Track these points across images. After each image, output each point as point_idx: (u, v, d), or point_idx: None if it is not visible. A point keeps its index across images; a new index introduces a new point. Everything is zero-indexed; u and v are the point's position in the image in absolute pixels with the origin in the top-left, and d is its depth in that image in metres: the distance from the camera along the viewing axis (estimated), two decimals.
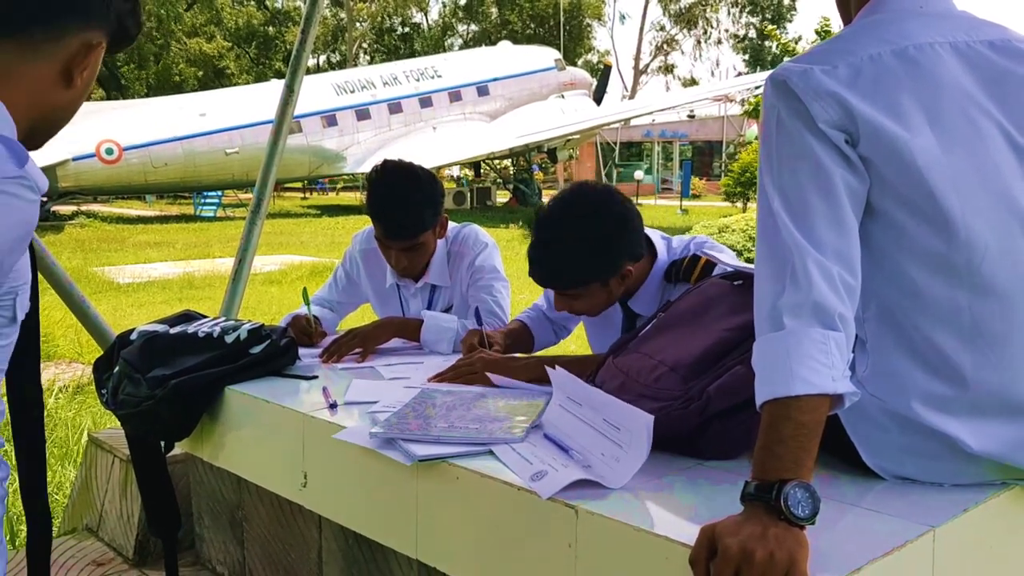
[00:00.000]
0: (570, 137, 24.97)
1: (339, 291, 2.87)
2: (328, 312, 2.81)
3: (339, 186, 35.22)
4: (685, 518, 1.26)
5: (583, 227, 1.95)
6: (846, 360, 1.23)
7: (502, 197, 28.74)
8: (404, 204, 2.49)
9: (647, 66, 52.36)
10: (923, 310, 1.34)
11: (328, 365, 2.34)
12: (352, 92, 24.14)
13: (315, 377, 2.19)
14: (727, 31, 51.74)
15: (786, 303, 1.23)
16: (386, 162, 2.61)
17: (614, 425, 1.44)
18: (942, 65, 1.35)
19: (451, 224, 2.73)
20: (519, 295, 2.64)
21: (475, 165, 28.55)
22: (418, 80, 25.34)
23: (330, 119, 23.36)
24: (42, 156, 18.69)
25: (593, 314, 2.12)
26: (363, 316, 2.91)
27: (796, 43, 23.48)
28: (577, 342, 5.66)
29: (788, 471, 1.14)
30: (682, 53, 67.22)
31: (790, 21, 49.57)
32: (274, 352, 2.23)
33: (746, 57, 51.20)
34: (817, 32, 21.13)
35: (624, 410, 1.44)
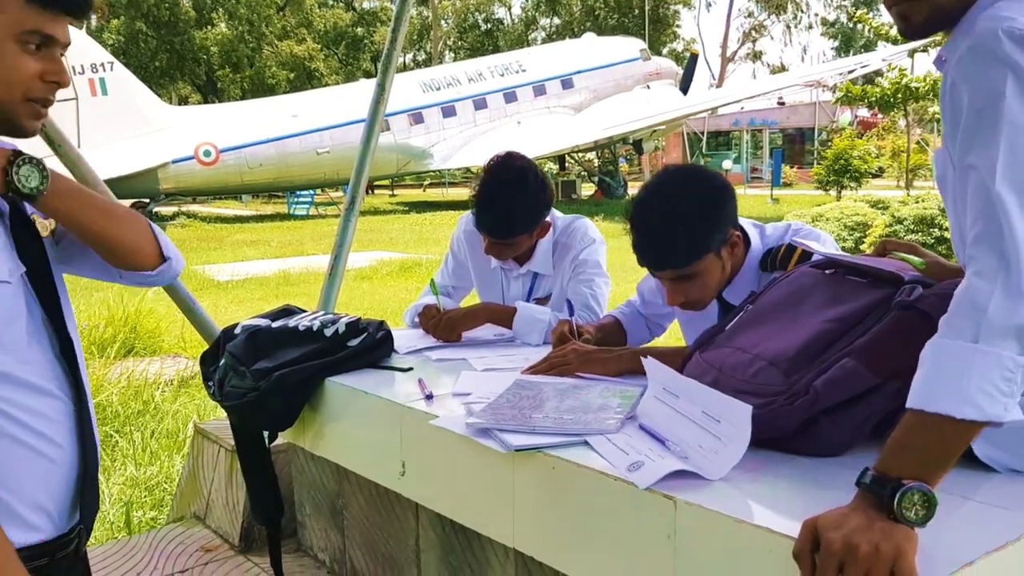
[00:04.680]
0: (656, 128, 24.67)
1: (450, 275, 2.95)
2: (447, 299, 2.86)
3: (426, 183, 35.66)
4: (786, 510, 1.24)
5: (684, 198, 1.91)
6: None
7: (587, 190, 28.61)
8: (502, 206, 2.53)
9: (734, 53, 51.29)
10: None
11: (421, 356, 2.38)
12: (438, 89, 24.40)
13: (410, 369, 2.23)
14: (817, 15, 50.32)
15: (994, 318, 1.10)
16: (508, 155, 2.63)
17: (713, 417, 1.43)
18: None
19: (562, 216, 2.76)
20: (612, 290, 2.64)
21: (560, 158, 28.48)
22: (503, 75, 25.43)
23: (417, 117, 23.67)
24: (143, 159, 19.50)
25: (705, 301, 2.05)
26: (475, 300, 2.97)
27: (891, 27, 22.64)
28: (669, 340, 5.59)
29: (915, 475, 1.09)
30: (771, 39, 65.55)
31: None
32: (371, 345, 2.28)
33: (836, 44, 49.68)
34: None
35: (723, 401, 1.42)
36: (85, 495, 1.40)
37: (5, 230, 1.32)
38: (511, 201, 2.53)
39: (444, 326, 2.55)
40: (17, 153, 1.31)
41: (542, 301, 2.74)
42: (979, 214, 1.15)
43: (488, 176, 2.58)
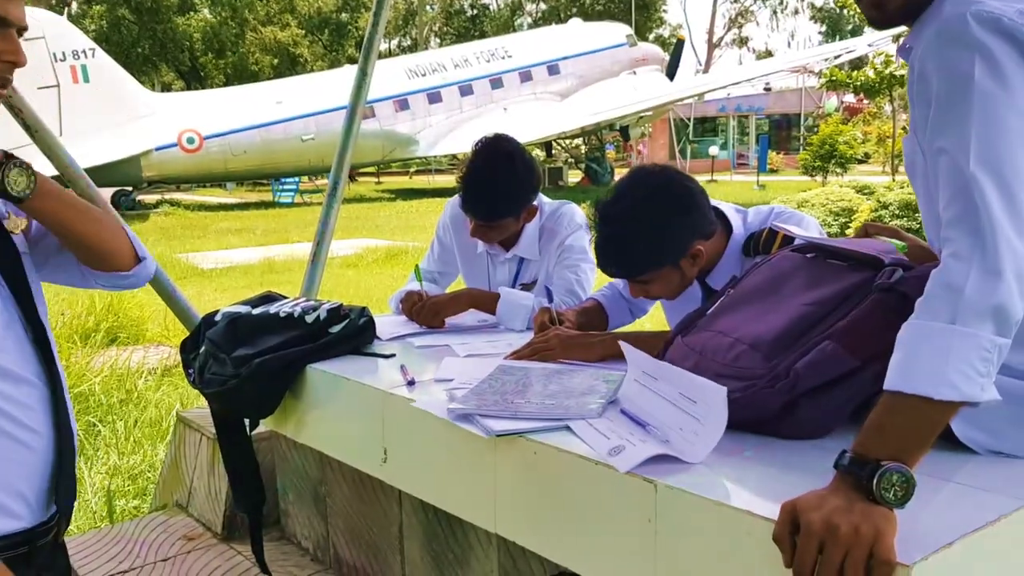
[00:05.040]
0: (643, 114, 24.69)
1: (436, 260, 2.94)
2: (433, 286, 2.85)
3: (412, 170, 35.58)
4: (766, 492, 1.24)
5: (644, 213, 1.90)
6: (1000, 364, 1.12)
7: (574, 177, 28.61)
8: (489, 188, 2.52)
9: (721, 39, 51.32)
10: None
11: (404, 342, 2.37)
12: (424, 75, 24.31)
13: (392, 355, 2.22)
14: (804, 0, 50.36)
15: (971, 298, 1.10)
16: (496, 137, 2.61)
17: (690, 399, 1.43)
18: None
19: (549, 201, 2.76)
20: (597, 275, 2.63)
21: (546, 145, 28.46)
22: (488, 61, 25.36)
23: (402, 103, 23.58)
24: (126, 146, 19.35)
25: (671, 297, 2.08)
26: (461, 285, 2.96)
27: None
28: (652, 321, 5.60)
29: (893, 456, 1.09)
30: (757, 24, 65.57)
31: None
32: (353, 331, 2.26)
33: (823, 29, 49.79)
34: None
35: (698, 384, 1.41)
36: (61, 483, 1.39)
37: None
38: (498, 184, 2.52)
39: (428, 311, 2.54)
40: (8, 156, 1.31)
41: (528, 286, 2.73)
42: (953, 196, 1.16)
43: (475, 158, 2.56)
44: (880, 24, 1.39)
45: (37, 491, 1.35)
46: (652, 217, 1.90)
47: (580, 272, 2.62)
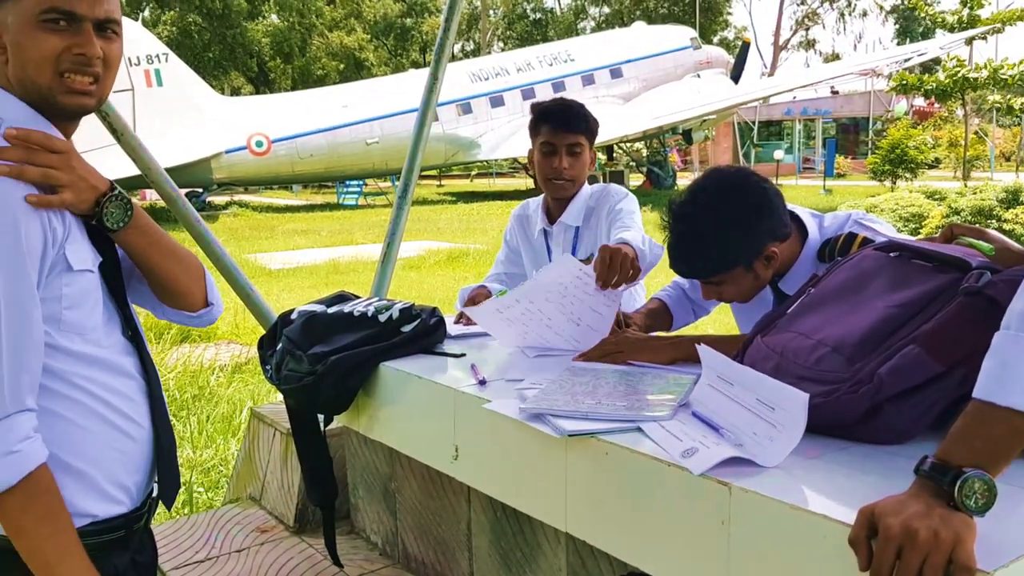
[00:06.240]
0: (706, 117, 24.42)
1: (503, 262, 3.06)
2: (497, 285, 2.91)
3: (473, 173, 35.78)
4: (842, 496, 1.23)
5: (719, 212, 1.88)
6: None
7: (635, 180, 28.44)
8: (570, 105, 2.78)
9: (787, 42, 50.53)
10: None
11: (473, 342, 2.40)
12: (486, 79, 24.44)
13: (463, 355, 2.25)
14: (874, 1, 49.30)
15: None
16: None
17: (768, 405, 1.42)
18: None
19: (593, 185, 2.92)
20: (653, 278, 2.63)
21: (608, 148, 28.34)
22: (551, 65, 25.39)
23: (465, 107, 23.75)
24: (197, 149, 19.85)
25: (744, 300, 2.05)
26: None
27: (950, 14, 22.08)
28: (714, 324, 5.53)
29: (976, 465, 1.08)
30: (823, 27, 64.29)
31: None
32: (424, 331, 2.30)
33: (896, 27, 48.67)
34: (963, 1, 20.24)
35: (778, 389, 1.40)
36: (165, 471, 1.46)
37: (80, 222, 1.37)
38: (574, 104, 2.79)
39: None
40: (112, 187, 1.38)
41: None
42: None
43: (547, 101, 2.85)
44: None
45: (136, 480, 1.42)
46: (726, 216, 1.88)
47: (641, 232, 2.64)
